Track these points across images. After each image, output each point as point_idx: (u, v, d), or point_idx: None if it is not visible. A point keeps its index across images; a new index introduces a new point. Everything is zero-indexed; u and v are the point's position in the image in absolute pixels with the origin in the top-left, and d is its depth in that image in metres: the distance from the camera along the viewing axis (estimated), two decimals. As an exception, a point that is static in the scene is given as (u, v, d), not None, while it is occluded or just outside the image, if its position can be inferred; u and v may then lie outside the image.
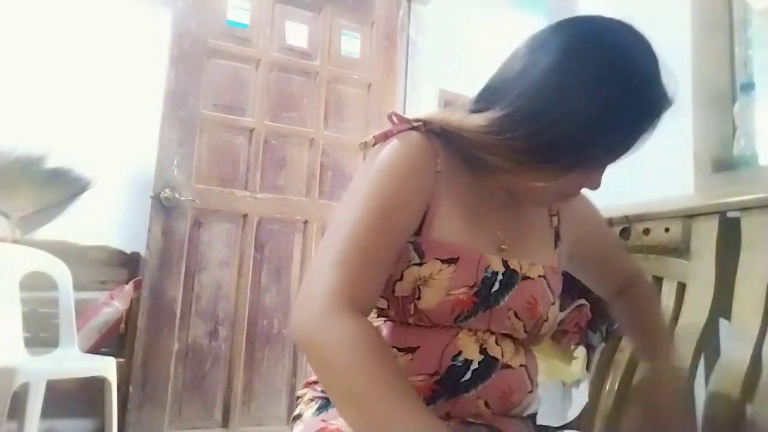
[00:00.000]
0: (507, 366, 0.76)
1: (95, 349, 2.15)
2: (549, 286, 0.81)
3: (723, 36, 1.42)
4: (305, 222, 2.48)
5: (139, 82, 2.50)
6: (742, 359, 1.01)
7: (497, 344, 0.76)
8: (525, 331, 0.79)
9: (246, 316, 2.33)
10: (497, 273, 0.76)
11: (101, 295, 2.27)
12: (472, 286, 0.74)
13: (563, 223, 0.90)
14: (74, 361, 1.95)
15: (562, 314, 1.29)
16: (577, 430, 1.20)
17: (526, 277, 0.78)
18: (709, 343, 1.13)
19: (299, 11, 2.57)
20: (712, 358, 1.11)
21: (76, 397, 2.14)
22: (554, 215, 0.90)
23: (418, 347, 0.73)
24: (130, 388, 2.10)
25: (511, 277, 0.77)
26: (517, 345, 0.80)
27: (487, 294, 0.75)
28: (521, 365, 0.78)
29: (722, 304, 1.11)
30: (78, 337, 2.03)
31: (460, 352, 0.73)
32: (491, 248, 0.78)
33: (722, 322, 1.15)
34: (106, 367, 1.88)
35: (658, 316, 1.01)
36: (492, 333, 0.77)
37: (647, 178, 1.53)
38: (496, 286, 0.75)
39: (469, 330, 0.75)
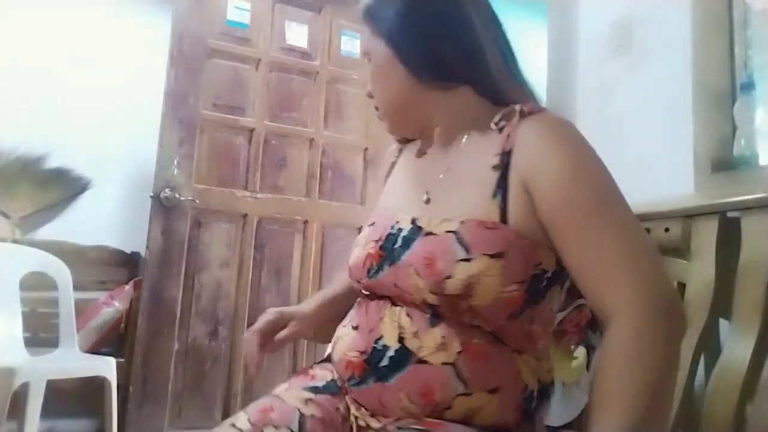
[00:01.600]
0: (423, 361, 0.72)
1: (95, 349, 2.15)
2: (462, 241, 0.73)
3: (723, 36, 1.42)
4: (305, 222, 2.48)
5: (139, 82, 2.50)
6: (742, 359, 1.01)
7: (417, 337, 0.74)
8: (430, 291, 0.73)
9: (246, 316, 2.32)
10: (402, 230, 0.80)
11: (101, 295, 2.27)
12: (377, 241, 0.82)
13: (517, 159, 0.76)
14: (74, 361, 1.95)
15: (562, 314, 1.28)
16: (577, 430, 1.20)
17: (429, 233, 0.76)
18: (709, 343, 1.13)
19: (299, 11, 2.57)
20: (712, 358, 1.11)
21: (76, 397, 2.14)
22: (507, 152, 0.77)
23: (358, 326, 0.82)
24: (130, 388, 2.10)
25: (413, 234, 0.78)
26: (450, 340, 0.73)
27: (391, 249, 0.80)
28: (445, 363, 0.72)
29: (722, 304, 1.11)
30: (78, 337, 2.03)
31: (381, 337, 0.77)
32: (413, 207, 0.84)
33: (722, 322, 1.15)
34: (106, 367, 1.88)
35: (620, 392, 0.63)
36: (413, 319, 0.76)
37: (647, 178, 1.53)
38: (399, 242, 0.79)
39: (392, 317, 0.77)
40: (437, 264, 0.73)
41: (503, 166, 0.77)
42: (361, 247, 0.85)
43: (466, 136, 0.85)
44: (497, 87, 0.84)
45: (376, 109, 0.94)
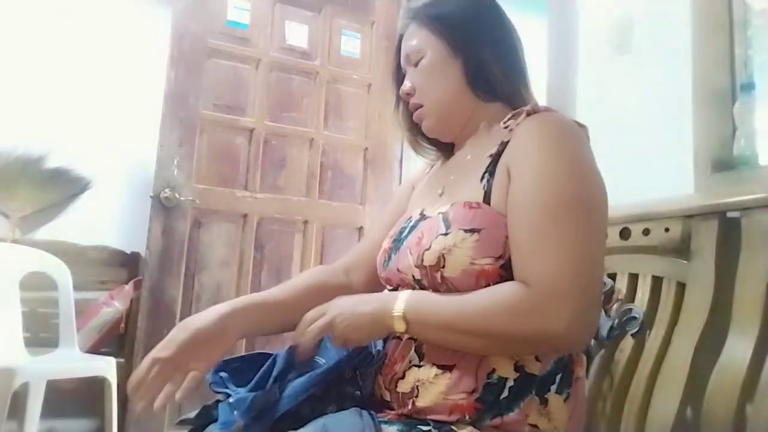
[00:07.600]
0: (397, 337, 0.81)
1: (95, 349, 2.15)
2: (446, 219, 0.79)
3: (723, 36, 1.42)
4: (305, 222, 2.47)
5: (139, 82, 2.50)
6: (742, 359, 1.01)
7: None
8: (415, 265, 0.81)
9: (246, 316, 2.32)
10: (411, 220, 0.89)
11: (101, 295, 2.27)
12: (392, 236, 0.91)
13: (509, 149, 0.82)
14: (74, 361, 1.95)
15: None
16: None
17: (425, 217, 0.85)
18: (709, 343, 1.13)
19: (299, 11, 2.57)
20: (712, 358, 1.11)
21: (76, 397, 2.14)
22: (505, 143, 0.83)
23: None
24: (130, 388, 2.09)
25: (417, 222, 0.87)
26: None
27: (398, 239, 0.88)
28: (409, 338, 0.79)
29: (722, 304, 1.11)
30: (78, 337, 2.03)
31: None
32: (428, 202, 0.91)
33: (722, 322, 1.15)
34: (106, 367, 1.88)
35: None
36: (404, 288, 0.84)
37: (647, 178, 1.53)
38: (405, 231, 0.88)
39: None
40: (423, 240, 0.81)
41: (497, 154, 0.83)
42: (382, 247, 0.94)
43: (473, 136, 0.94)
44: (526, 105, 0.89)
45: (417, 107, 0.94)
